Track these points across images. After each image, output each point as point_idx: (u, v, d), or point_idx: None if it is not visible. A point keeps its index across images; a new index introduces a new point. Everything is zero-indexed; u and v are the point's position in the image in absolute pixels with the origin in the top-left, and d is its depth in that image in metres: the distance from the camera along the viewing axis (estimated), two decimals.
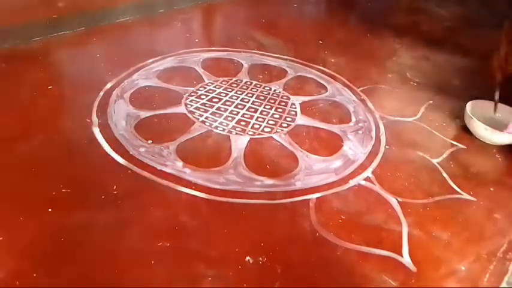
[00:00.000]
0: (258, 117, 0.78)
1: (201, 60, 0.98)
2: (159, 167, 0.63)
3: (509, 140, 0.76)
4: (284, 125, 0.77)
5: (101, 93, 0.80)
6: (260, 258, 0.50)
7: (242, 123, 0.76)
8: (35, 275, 0.45)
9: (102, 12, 1.14)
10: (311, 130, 0.77)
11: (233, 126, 0.75)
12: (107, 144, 0.66)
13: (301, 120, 0.79)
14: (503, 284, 0.51)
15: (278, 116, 0.79)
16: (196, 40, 1.10)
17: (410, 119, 0.84)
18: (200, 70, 0.93)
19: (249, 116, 0.78)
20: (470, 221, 0.60)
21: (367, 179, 0.66)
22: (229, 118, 0.77)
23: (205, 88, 0.86)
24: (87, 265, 0.47)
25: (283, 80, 0.94)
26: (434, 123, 0.83)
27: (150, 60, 0.94)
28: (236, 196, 0.59)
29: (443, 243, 0.56)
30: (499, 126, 0.78)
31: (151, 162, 0.64)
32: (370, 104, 0.87)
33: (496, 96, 0.81)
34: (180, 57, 0.98)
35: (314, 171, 0.66)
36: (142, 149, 0.66)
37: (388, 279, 0.49)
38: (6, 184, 0.57)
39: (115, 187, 0.58)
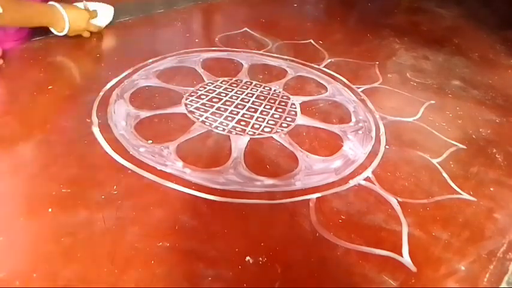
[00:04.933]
0: (258, 117, 0.78)
1: (201, 60, 0.98)
2: (159, 167, 0.63)
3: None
4: (284, 125, 0.77)
5: (101, 93, 0.80)
6: (260, 258, 0.50)
7: (242, 123, 0.76)
8: (35, 275, 0.45)
9: None
10: (311, 130, 0.77)
11: (233, 126, 0.75)
12: (107, 144, 0.66)
13: (301, 120, 0.79)
14: (503, 284, 0.51)
15: (278, 116, 0.79)
16: (196, 40, 1.10)
17: (410, 119, 0.84)
18: (200, 70, 0.93)
19: (249, 116, 0.78)
20: (470, 221, 0.60)
21: (367, 179, 0.66)
22: (229, 118, 0.77)
23: (205, 88, 0.86)
24: (87, 265, 0.47)
25: (283, 80, 0.94)
26: (434, 123, 0.83)
27: (150, 60, 0.94)
28: (236, 196, 0.59)
29: (443, 243, 0.56)
30: None
31: (151, 162, 0.64)
32: (370, 104, 0.88)
33: None
34: (180, 57, 0.98)
35: (314, 171, 0.66)
36: (142, 149, 0.66)
37: (388, 279, 0.49)
38: (6, 184, 0.57)
39: (115, 187, 0.58)
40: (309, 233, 0.55)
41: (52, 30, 0.97)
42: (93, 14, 1.01)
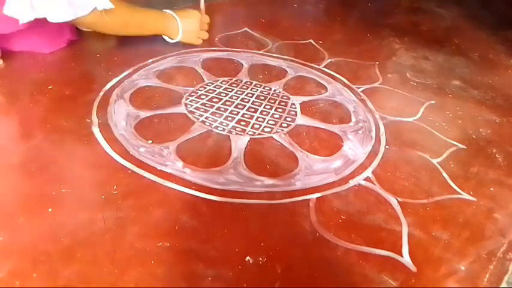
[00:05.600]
0: (258, 117, 0.78)
1: (201, 60, 0.98)
2: (159, 167, 0.63)
3: None
4: (284, 125, 0.77)
5: (101, 93, 0.80)
6: (260, 258, 0.50)
7: (242, 123, 0.76)
8: (35, 275, 0.45)
9: None
10: (311, 130, 0.77)
11: (233, 126, 0.75)
12: (107, 144, 0.66)
13: (301, 120, 0.79)
14: (503, 284, 0.51)
15: (278, 116, 0.79)
16: None
17: (410, 119, 0.84)
18: (200, 70, 0.93)
19: (249, 116, 0.78)
20: (470, 221, 0.60)
21: (367, 179, 0.66)
22: (229, 118, 0.77)
23: (205, 88, 0.86)
24: (87, 265, 0.47)
25: (283, 80, 0.94)
26: (434, 123, 0.83)
27: (150, 60, 0.94)
28: (236, 196, 0.59)
29: (443, 243, 0.56)
30: None
31: (151, 162, 0.64)
32: (370, 104, 0.88)
33: None
34: (180, 57, 0.98)
35: (314, 171, 0.66)
36: (142, 149, 0.66)
37: (388, 279, 0.49)
38: (6, 184, 0.57)
39: (115, 187, 0.58)
40: (309, 233, 0.55)
41: (165, 38, 0.98)
42: (204, 17, 1.02)
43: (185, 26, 0.96)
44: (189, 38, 1.00)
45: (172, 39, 0.99)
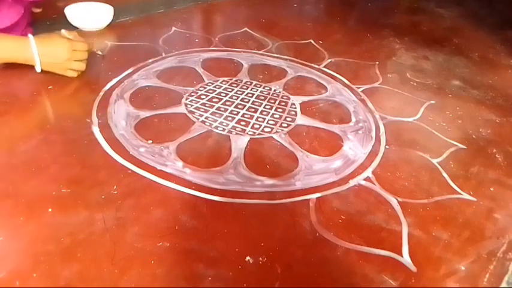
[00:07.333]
0: (258, 117, 0.78)
1: (201, 60, 0.98)
2: (159, 167, 0.63)
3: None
4: (284, 125, 0.77)
5: (101, 93, 0.80)
6: (260, 258, 0.50)
7: (242, 123, 0.76)
8: (35, 275, 0.45)
9: None
10: (311, 130, 0.77)
11: (233, 126, 0.75)
12: (107, 144, 0.66)
13: (301, 120, 0.79)
14: (503, 284, 0.51)
15: (278, 116, 0.79)
16: (196, 40, 1.10)
17: (410, 119, 0.84)
18: (200, 70, 0.93)
19: (249, 116, 0.78)
20: (470, 221, 0.60)
21: (367, 179, 0.66)
22: (229, 118, 0.77)
23: (205, 88, 0.86)
24: (87, 265, 0.47)
25: (283, 80, 0.94)
26: (434, 123, 0.83)
27: (150, 60, 0.94)
28: (236, 196, 0.59)
29: (443, 243, 0.56)
30: None
31: (151, 162, 0.64)
32: (370, 104, 0.88)
33: None
34: (180, 57, 0.98)
35: (314, 171, 0.66)
36: (142, 149, 0.66)
37: (388, 279, 0.49)
38: (6, 184, 0.57)
39: (115, 187, 0.58)
40: (309, 233, 0.55)
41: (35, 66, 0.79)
42: (78, 45, 0.81)
43: (47, 54, 0.78)
44: (54, 68, 0.80)
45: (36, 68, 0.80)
